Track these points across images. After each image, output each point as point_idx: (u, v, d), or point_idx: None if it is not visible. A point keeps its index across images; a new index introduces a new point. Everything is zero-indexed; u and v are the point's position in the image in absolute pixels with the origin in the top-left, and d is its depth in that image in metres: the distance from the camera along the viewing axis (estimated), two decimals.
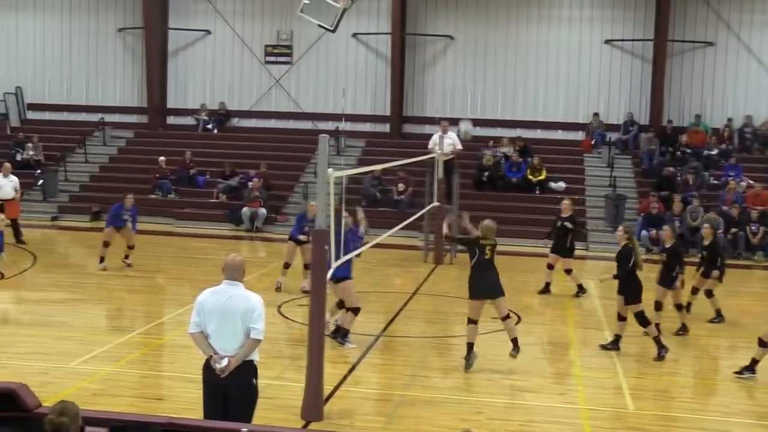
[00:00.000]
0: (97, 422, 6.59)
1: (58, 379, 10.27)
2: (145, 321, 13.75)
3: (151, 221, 23.88)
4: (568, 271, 16.70)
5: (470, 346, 11.47)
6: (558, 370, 11.99)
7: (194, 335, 7.22)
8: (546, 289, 16.77)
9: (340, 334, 12.22)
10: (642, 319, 12.47)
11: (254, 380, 7.25)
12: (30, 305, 14.67)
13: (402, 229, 18.33)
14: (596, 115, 27.72)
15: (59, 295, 15.29)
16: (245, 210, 24.53)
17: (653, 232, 22.61)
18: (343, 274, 11.74)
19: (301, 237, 15.43)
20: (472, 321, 11.60)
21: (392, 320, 14.18)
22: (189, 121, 29.99)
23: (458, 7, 28.58)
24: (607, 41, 27.86)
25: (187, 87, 30.24)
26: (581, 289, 16.62)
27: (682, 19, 27.37)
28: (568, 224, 16.63)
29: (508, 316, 11.67)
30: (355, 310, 12.21)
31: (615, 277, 12.61)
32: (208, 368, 7.14)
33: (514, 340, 11.66)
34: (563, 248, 16.67)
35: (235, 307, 7.11)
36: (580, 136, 27.99)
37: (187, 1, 29.92)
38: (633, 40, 27.68)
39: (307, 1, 23.97)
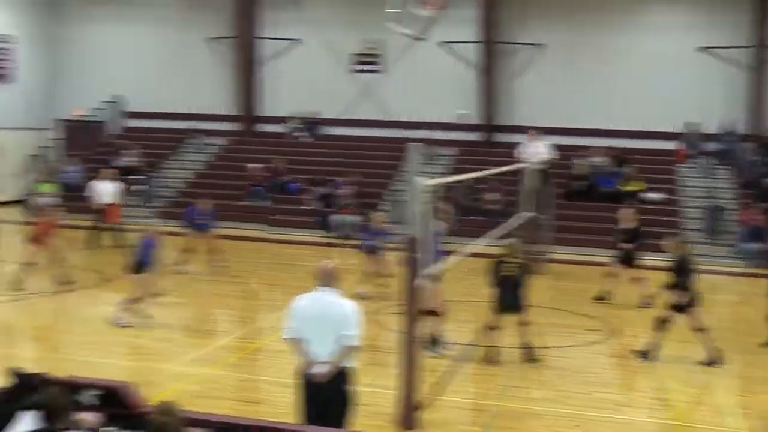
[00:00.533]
0: (197, 423, 6.72)
1: (160, 380, 10.51)
2: (241, 325, 13.97)
3: (245, 227, 24.28)
4: (635, 280, 16.51)
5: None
6: (655, 385, 11.71)
7: (290, 341, 7.29)
8: (603, 297, 16.63)
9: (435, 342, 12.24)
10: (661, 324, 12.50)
11: (350, 386, 7.28)
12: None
13: (493, 238, 18.21)
14: (692, 124, 27.09)
15: (159, 298, 15.62)
16: (336, 217, 24.73)
17: (756, 244, 21.97)
18: None
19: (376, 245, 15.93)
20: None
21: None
22: (280, 128, 30.42)
23: (548, 15, 28.32)
24: (704, 48, 27.19)
25: (278, 95, 30.68)
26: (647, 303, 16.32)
27: None
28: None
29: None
30: (432, 312, 12.24)
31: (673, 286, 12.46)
32: (303, 375, 7.19)
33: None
34: (625, 257, 16.52)
35: (330, 314, 7.15)
36: (675, 145, 27.40)
37: (277, 10, 30.36)
38: (731, 47, 26.95)
39: (396, 10, 24.14)
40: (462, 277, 18.45)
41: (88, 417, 6.42)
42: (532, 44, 28.36)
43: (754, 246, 21.99)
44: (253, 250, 22.12)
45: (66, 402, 5.57)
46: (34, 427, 5.60)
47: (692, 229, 23.66)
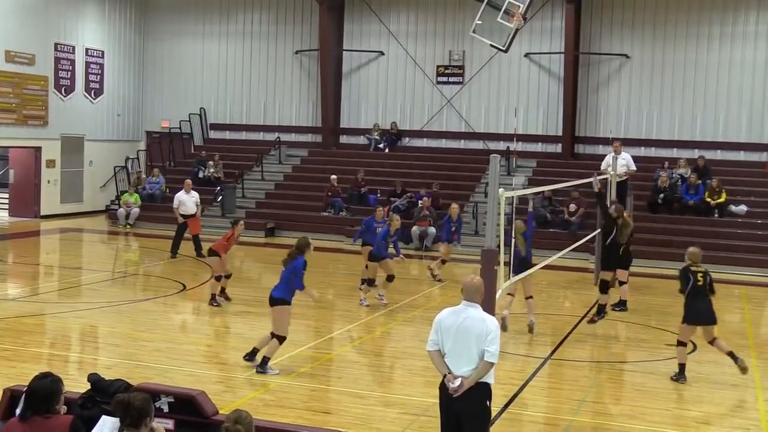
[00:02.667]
0: None
1: (233, 388, 10.65)
2: (315, 335, 14.05)
3: (323, 238, 24.46)
4: (621, 283, 16.27)
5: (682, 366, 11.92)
6: (737, 402, 11.36)
7: (431, 353, 7.26)
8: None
9: (260, 361, 11.42)
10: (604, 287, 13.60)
11: (488, 402, 7.18)
12: (208, 316, 15.31)
13: (572, 251, 18.05)
14: None
15: (235, 308, 15.84)
16: (415, 229, 24.74)
17: None
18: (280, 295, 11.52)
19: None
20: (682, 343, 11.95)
21: (561, 343, 13.90)
22: (361, 140, 30.63)
23: (634, 26, 27.89)
24: None
25: (360, 107, 30.89)
26: (622, 305, 16.18)
27: None
28: None
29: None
30: (281, 339, 11.53)
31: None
32: (443, 388, 7.16)
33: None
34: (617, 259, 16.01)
35: (470, 329, 7.06)
36: (764, 157, 26.65)
37: (361, 23, 30.61)
38: None
39: (480, 22, 24.09)
40: (540, 290, 18.27)
41: (162, 425, 6.52)
42: (618, 55, 27.96)
43: None
44: (330, 260, 22.28)
45: (148, 409, 5.67)
46: None
47: None
